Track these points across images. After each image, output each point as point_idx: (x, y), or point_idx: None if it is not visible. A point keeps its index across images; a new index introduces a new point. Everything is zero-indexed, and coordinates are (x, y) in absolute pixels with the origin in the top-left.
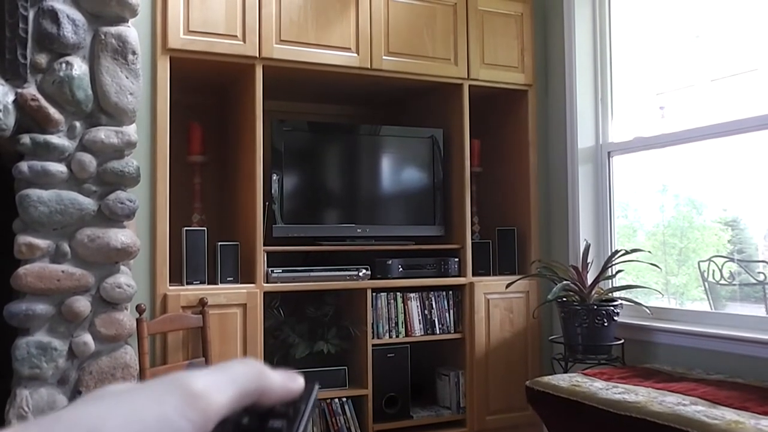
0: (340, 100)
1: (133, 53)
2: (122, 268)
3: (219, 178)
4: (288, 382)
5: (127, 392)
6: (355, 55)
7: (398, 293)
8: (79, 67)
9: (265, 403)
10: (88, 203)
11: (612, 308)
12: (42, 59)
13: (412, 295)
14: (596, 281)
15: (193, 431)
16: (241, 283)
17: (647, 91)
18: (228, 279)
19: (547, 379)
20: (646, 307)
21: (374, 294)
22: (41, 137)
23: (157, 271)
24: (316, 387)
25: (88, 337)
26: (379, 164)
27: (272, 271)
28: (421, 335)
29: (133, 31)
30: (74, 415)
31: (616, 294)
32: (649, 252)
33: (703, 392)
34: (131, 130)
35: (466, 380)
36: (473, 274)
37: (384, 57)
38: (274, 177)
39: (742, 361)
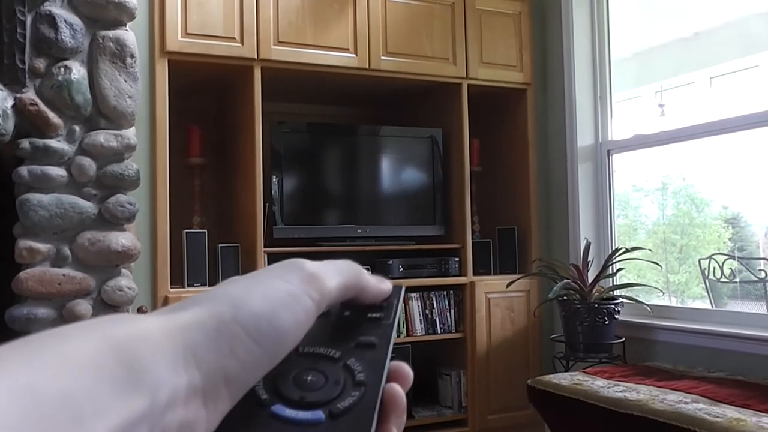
0: (339, 101)
1: (132, 56)
2: (123, 270)
3: (219, 180)
4: (380, 283)
5: (257, 275)
6: (354, 55)
7: None
8: (77, 71)
9: (361, 300)
10: (89, 207)
11: (613, 306)
12: (40, 64)
13: (412, 294)
14: (597, 280)
15: (313, 306)
16: None
17: (646, 89)
18: None
19: (548, 377)
20: (647, 305)
21: None
22: (41, 142)
23: (158, 273)
24: (403, 287)
25: None
26: (378, 165)
27: None
28: (422, 335)
29: (131, 35)
30: (219, 293)
31: (616, 292)
32: (650, 250)
33: (704, 390)
34: (130, 134)
35: (467, 380)
36: (474, 274)
37: (382, 57)
38: (274, 178)
39: (743, 358)
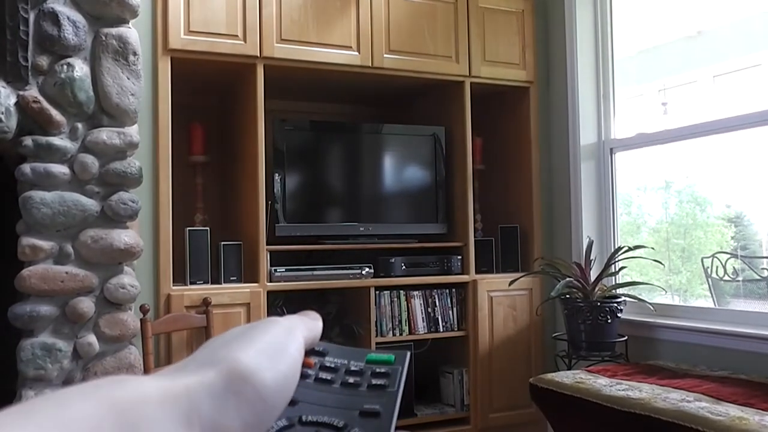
0: (341, 99)
1: (134, 54)
2: (126, 268)
3: (221, 178)
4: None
5: (246, 332)
6: (356, 53)
7: (401, 291)
8: (80, 68)
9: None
10: (91, 204)
11: (615, 305)
12: (43, 61)
13: (415, 293)
14: (599, 278)
15: (296, 349)
16: (244, 282)
17: (649, 88)
18: (231, 278)
19: (550, 376)
20: (650, 303)
21: (377, 292)
22: (43, 139)
23: (161, 271)
24: (408, 354)
25: (92, 338)
26: (381, 162)
27: (275, 271)
28: (425, 333)
29: (134, 32)
30: (221, 355)
31: (619, 291)
32: (653, 249)
33: (707, 388)
34: (133, 131)
35: (469, 378)
36: (476, 272)
37: (385, 55)
38: (277, 176)
39: (745, 357)
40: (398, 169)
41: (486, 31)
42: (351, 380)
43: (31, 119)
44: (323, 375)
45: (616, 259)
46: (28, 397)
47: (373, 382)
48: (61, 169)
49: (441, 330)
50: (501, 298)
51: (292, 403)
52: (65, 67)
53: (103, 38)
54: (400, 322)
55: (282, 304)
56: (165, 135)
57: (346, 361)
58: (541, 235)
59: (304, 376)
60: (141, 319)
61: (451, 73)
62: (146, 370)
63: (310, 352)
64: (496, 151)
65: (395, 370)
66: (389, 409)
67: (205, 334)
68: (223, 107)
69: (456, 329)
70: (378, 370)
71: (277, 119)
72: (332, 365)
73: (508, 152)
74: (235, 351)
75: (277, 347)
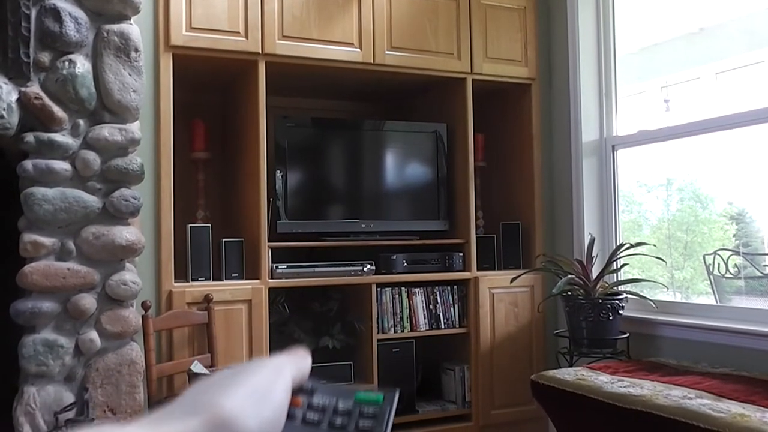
0: (343, 96)
1: (136, 50)
2: (127, 265)
3: (223, 175)
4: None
5: (232, 377)
6: (358, 50)
7: (403, 288)
8: (82, 65)
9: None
10: (93, 201)
11: (617, 302)
12: (45, 57)
13: (416, 289)
14: (601, 275)
15: (283, 392)
16: (246, 279)
17: (651, 84)
18: (233, 275)
19: (552, 373)
20: (652, 300)
21: (379, 289)
22: (45, 135)
23: (162, 267)
24: (397, 393)
25: (94, 334)
26: (382, 159)
27: (277, 267)
28: (426, 330)
29: (136, 29)
30: (205, 401)
31: (621, 288)
32: (654, 246)
33: (708, 385)
34: (135, 128)
35: (471, 375)
36: (478, 269)
37: (387, 52)
38: (278, 173)
39: (747, 354)
40: (400, 166)
41: (488, 27)
42: (338, 421)
43: (32, 115)
44: (310, 415)
45: (618, 256)
46: (30, 393)
47: (360, 424)
48: (62, 166)
49: (442, 327)
50: (502, 295)
51: None
52: (67, 63)
53: (105, 35)
54: (402, 318)
55: (283, 300)
56: (167, 131)
57: (334, 401)
58: (543, 232)
59: (291, 416)
60: (142, 316)
61: (452, 70)
62: (148, 367)
63: (298, 390)
64: (498, 148)
65: (383, 411)
66: None
67: (207, 331)
68: (225, 104)
69: (457, 326)
70: (366, 410)
71: (279, 116)
72: (320, 405)
73: (510, 149)
74: (218, 397)
75: (263, 391)
